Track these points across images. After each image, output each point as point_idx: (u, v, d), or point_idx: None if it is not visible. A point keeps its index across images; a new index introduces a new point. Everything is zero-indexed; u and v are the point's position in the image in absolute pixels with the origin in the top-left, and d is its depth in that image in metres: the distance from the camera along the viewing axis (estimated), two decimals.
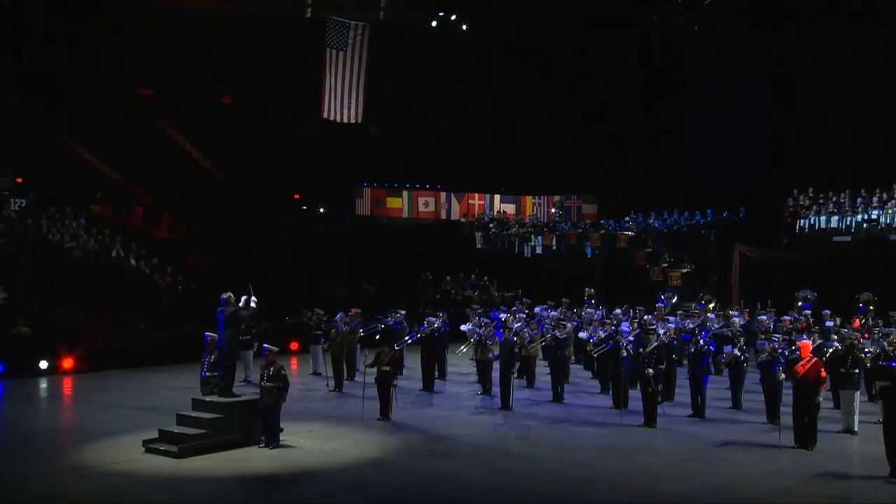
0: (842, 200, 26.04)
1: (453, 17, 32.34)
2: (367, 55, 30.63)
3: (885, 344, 15.44)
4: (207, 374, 14.32)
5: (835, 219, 25.87)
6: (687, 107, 32.49)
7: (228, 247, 26.95)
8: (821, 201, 26.52)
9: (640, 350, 15.32)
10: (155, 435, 13.16)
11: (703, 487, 11.33)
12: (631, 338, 16.67)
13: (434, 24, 32.40)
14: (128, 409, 16.27)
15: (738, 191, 28.99)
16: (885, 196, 25.03)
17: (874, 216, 24.98)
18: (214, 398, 13.65)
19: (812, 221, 26.37)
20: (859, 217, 25.31)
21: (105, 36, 28.01)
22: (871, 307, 21.33)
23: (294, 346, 23.62)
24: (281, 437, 13.32)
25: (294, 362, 22.31)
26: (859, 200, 25.57)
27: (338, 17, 30.47)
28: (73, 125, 27.95)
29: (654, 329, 16.19)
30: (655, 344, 15.09)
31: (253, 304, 13.73)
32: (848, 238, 25.24)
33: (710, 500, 10.85)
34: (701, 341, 16.00)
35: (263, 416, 13.19)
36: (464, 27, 32.54)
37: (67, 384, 19.43)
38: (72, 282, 22.01)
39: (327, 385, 18.54)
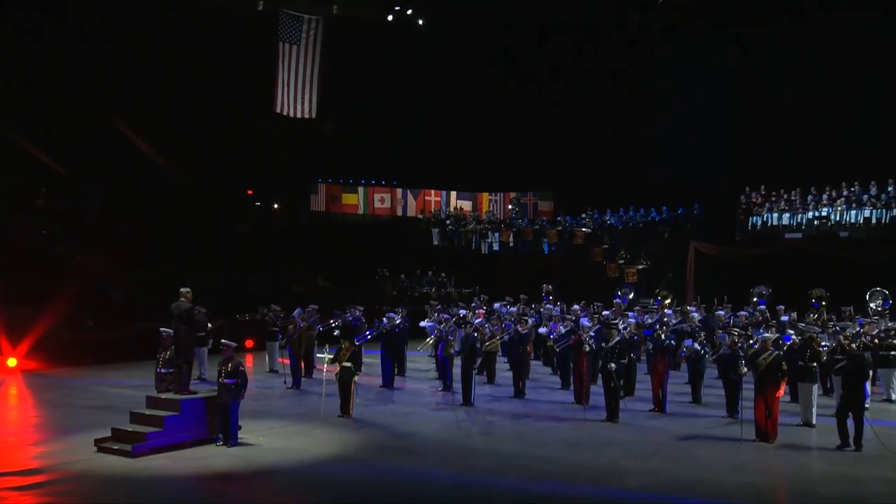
0: (793, 198, 26.51)
1: (409, 12, 32.06)
2: (320, 49, 30.21)
3: (841, 338, 15.63)
4: (162, 370, 13.95)
5: (786, 216, 26.32)
6: (644, 104, 32.67)
7: (183, 243, 26.38)
8: (773, 199, 26.95)
9: (603, 345, 15.32)
10: (107, 433, 12.76)
11: (670, 482, 11.29)
12: (592, 333, 16.69)
13: (390, 18, 32.08)
14: (78, 407, 15.81)
15: (693, 188, 29.25)
16: (834, 194, 25.57)
17: (824, 213, 25.51)
18: (170, 395, 13.28)
19: (765, 219, 26.79)
20: (810, 214, 25.80)
21: (53, 27, 27.12)
22: (824, 302, 21.69)
23: (249, 343, 23.26)
24: (239, 435, 13.00)
25: (249, 359, 21.90)
26: (810, 198, 26.05)
27: (291, 11, 30.01)
28: (16, 118, 27.00)
29: (616, 324, 16.21)
30: (617, 339, 15.10)
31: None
32: (799, 235, 25.69)
33: (678, 495, 10.82)
34: (663, 336, 16.06)
35: (221, 413, 12.88)
36: (420, 22, 32.28)
37: (14, 383, 18.78)
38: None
39: (285, 382, 18.25)
